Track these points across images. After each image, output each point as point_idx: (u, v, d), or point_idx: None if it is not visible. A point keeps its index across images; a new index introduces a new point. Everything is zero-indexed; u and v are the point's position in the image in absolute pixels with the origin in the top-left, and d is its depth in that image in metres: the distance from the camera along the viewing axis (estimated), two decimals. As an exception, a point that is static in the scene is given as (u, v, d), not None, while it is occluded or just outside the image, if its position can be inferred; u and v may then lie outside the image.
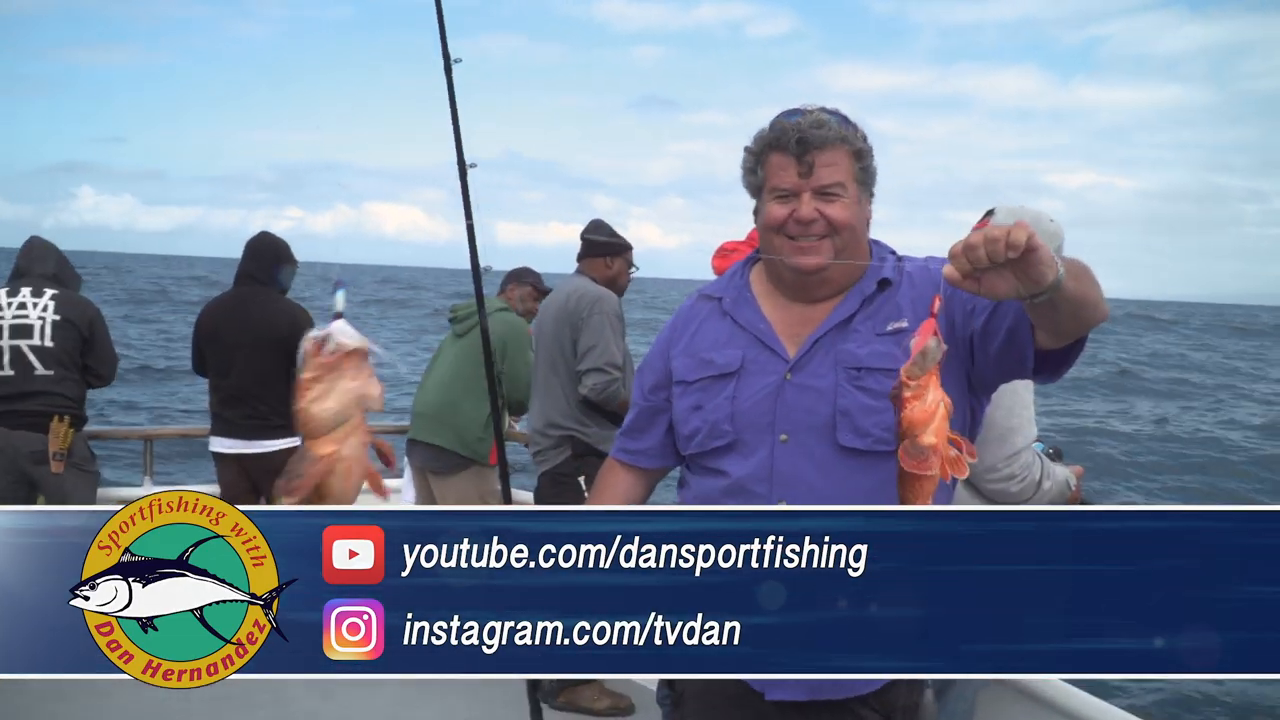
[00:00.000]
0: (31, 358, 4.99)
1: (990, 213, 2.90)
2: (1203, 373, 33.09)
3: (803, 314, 2.08)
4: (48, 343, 5.01)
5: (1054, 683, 2.73)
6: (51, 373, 5.02)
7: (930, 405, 1.56)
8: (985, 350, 1.91)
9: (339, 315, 1.67)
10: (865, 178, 2.06)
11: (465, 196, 3.88)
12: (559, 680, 4.53)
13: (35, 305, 5.03)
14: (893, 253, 2.16)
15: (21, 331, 4.99)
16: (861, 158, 2.04)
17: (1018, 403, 2.64)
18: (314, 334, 1.66)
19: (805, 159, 1.98)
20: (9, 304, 5.02)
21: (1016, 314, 1.81)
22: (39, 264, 5.21)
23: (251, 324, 5.31)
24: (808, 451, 1.99)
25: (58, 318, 5.05)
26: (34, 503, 5.07)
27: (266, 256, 5.45)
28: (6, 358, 4.97)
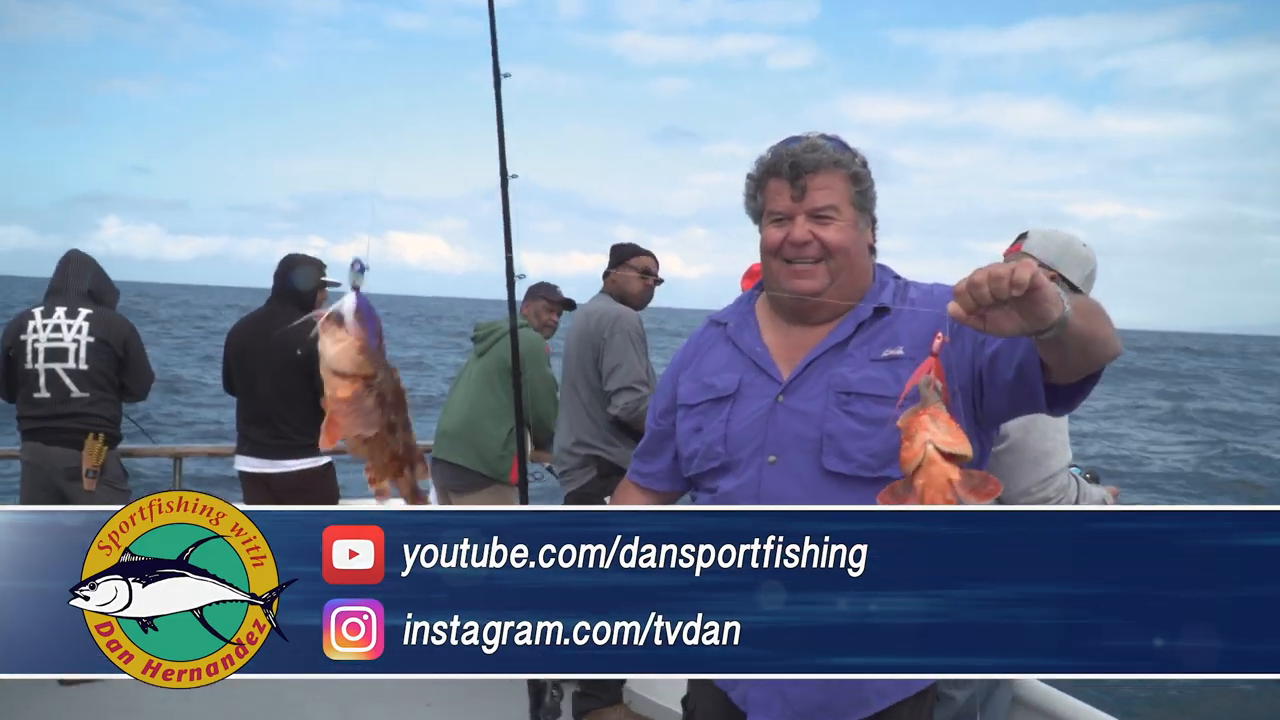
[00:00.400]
0: (67, 381, 5.02)
1: (1023, 236, 2.88)
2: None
3: (800, 337, 2.10)
4: (82, 365, 5.05)
5: (1089, 710, 2.67)
6: (87, 395, 5.06)
7: (917, 447, 1.53)
8: (995, 384, 1.89)
9: (356, 288, 1.68)
10: (862, 201, 2.06)
11: (505, 201, 3.82)
12: (585, 702, 4.50)
13: (70, 327, 5.07)
14: (896, 277, 2.16)
15: (56, 355, 5.03)
16: (858, 181, 2.05)
17: (1051, 426, 2.60)
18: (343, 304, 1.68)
19: (799, 183, 2.01)
20: (44, 325, 5.05)
21: (1026, 349, 1.79)
22: (75, 281, 5.23)
23: (272, 343, 5.30)
24: (795, 473, 1.99)
25: (92, 339, 5.08)
26: None
27: (285, 273, 5.48)
28: (42, 380, 5.01)
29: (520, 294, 5.52)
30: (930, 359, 1.56)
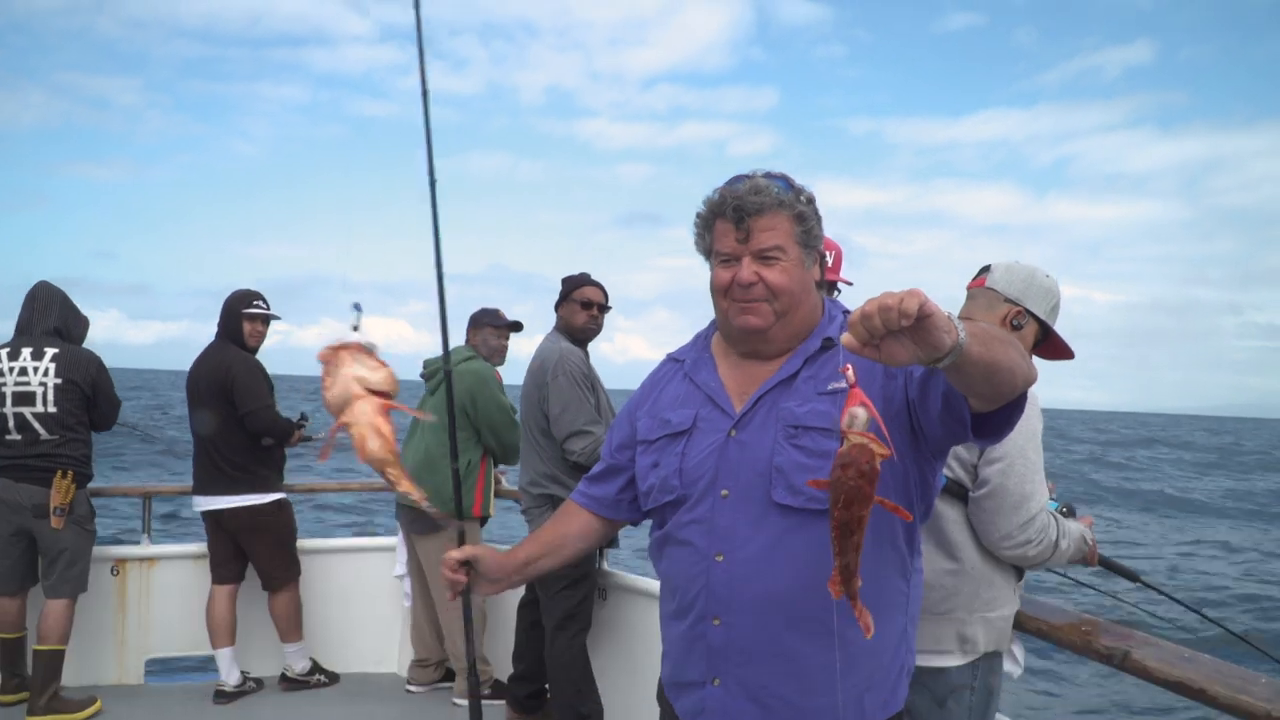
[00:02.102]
0: (36, 425, 4.99)
1: (986, 269, 2.90)
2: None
3: (752, 372, 2.13)
4: (50, 408, 5.01)
5: None
6: (56, 437, 5.02)
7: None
8: (927, 412, 1.91)
9: (355, 329, 1.83)
10: (807, 239, 2.08)
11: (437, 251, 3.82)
12: None
13: (36, 370, 5.03)
14: (845, 311, 2.18)
15: (24, 399, 4.99)
16: (803, 220, 2.07)
17: (1029, 468, 2.62)
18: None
19: (743, 225, 2.04)
20: (10, 369, 5.00)
21: (946, 380, 1.81)
22: (41, 318, 5.19)
23: (201, 377, 5.46)
24: (745, 507, 2.01)
25: (59, 381, 5.04)
26: (31, 559, 5.09)
27: (223, 309, 5.60)
28: (11, 423, 4.98)
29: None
30: (852, 390, 1.60)
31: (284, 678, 5.55)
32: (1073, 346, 2.89)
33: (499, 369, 5.51)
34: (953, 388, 1.79)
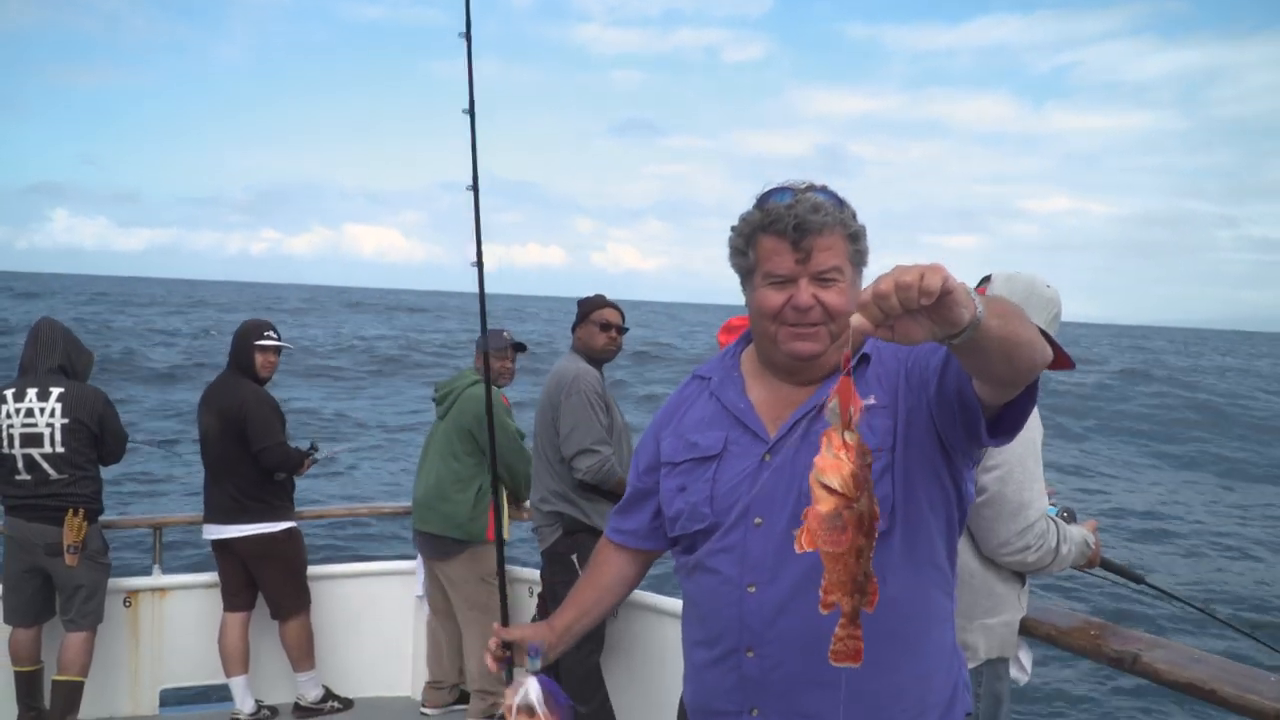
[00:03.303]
0: (44, 465, 5.02)
1: (987, 279, 2.92)
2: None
3: (789, 395, 2.03)
4: (58, 449, 5.04)
5: None
6: (65, 476, 5.05)
7: (833, 459, 1.47)
8: (946, 418, 1.86)
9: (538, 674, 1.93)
10: (859, 259, 1.99)
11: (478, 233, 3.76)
12: None
13: (43, 411, 5.05)
14: None
15: (32, 440, 5.01)
16: (856, 240, 1.98)
17: (1028, 476, 2.64)
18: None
19: (802, 244, 1.92)
20: (17, 410, 5.02)
21: (959, 373, 1.75)
22: (45, 356, 5.21)
23: (213, 408, 5.50)
24: (779, 535, 1.92)
25: (66, 420, 5.07)
26: (48, 593, 5.12)
27: (235, 339, 5.64)
28: (20, 464, 5.00)
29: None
30: (842, 379, 1.49)
31: (297, 707, 5.56)
32: (1068, 260, 2.90)
33: (507, 390, 5.56)
34: (965, 384, 1.74)
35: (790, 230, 1.91)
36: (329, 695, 5.62)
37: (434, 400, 5.61)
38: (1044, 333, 2.82)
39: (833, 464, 1.46)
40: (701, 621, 2.06)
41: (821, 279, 1.94)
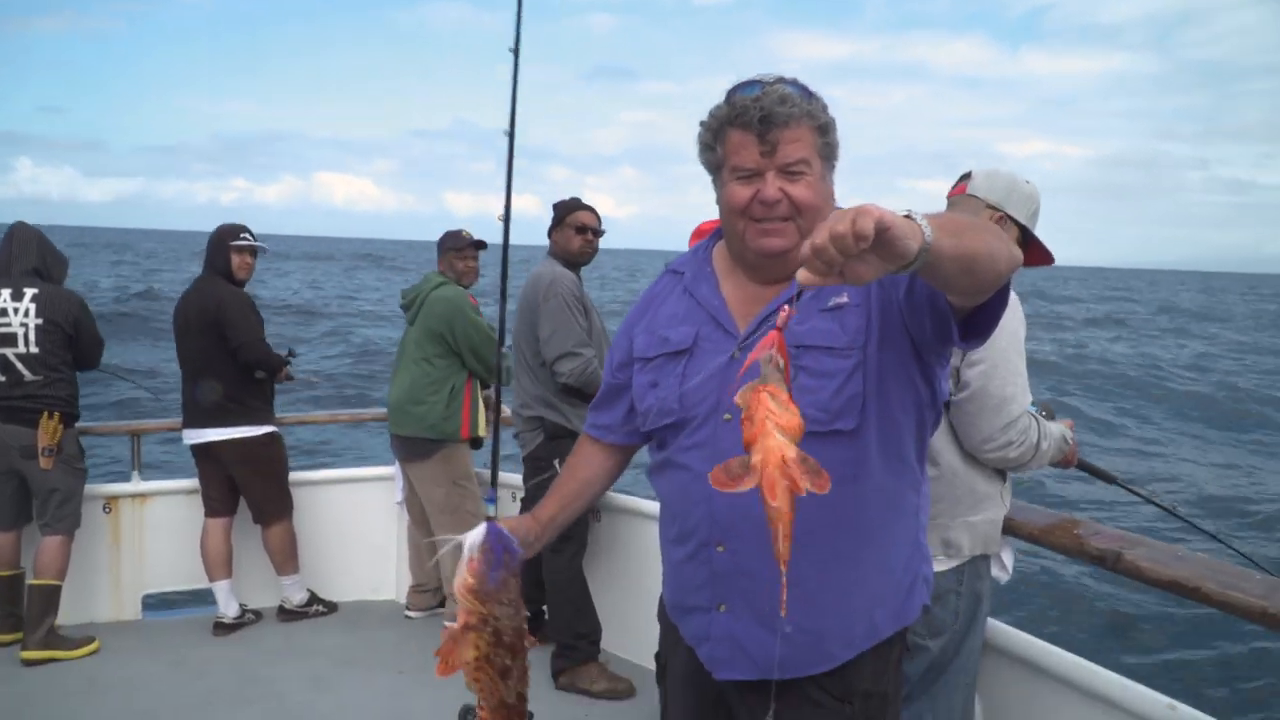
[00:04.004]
0: (19, 366, 4.96)
1: (967, 176, 2.90)
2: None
3: (760, 292, 2.03)
4: (33, 349, 4.98)
5: (1060, 653, 2.72)
6: (40, 377, 5.00)
7: (756, 425, 1.47)
8: (917, 322, 1.85)
9: (490, 518, 1.70)
10: (828, 152, 1.96)
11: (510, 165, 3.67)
12: (562, 660, 4.55)
13: (16, 310, 4.98)
14: None
15: (6, 340, 4.95)
16: (825, 132, 1.94)
17: (1011, 371, 2.63)
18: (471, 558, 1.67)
19: (768, 137, 1.89)
20: None
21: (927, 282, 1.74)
22: (19, 259, 5.14)
23: (191, 310, 5.44)
24: None
25: (40, 321, 5.01)
26: (24, 496, 5.10)
27: (208, 246, 5.59)
28: None
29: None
30: (773, 333, 1.49)
31: (282, 610, 5.58)
32: (1045, 204, 2.88)
33: (473, 288, 5.55)
34: (936, 290, 1.72)
35: (756, 123, 1.89)
36: (314, 599, 5.64)
37: (402, 307, 5.59)
38: (1024, 228, 2.84)
39: (788, 420, 1.47)
40: (674, 519, 2.08)
41: (789, 172, 1.91)
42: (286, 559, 5.54)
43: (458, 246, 5.52)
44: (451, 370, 5.29)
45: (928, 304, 1.79)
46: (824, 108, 1.95)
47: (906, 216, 1.44)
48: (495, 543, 1.66)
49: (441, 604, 5.62)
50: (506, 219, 3.36)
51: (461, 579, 1.64)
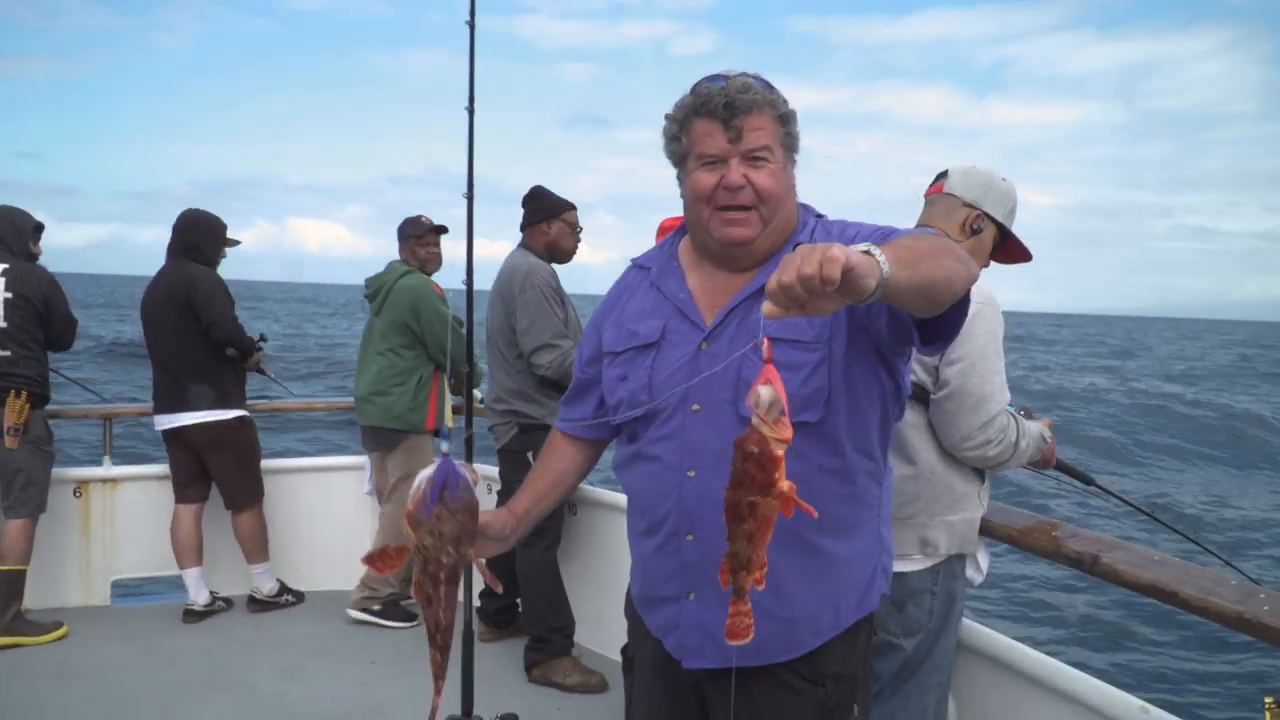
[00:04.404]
0: None
1: (944, 175, 2.91)
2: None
3: (725, 283, 2.06)
4: (1, 323, 4.91)
5: (1033, 654, 2.72)
6: (8, 353, 4.92)
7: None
8: (875, 325, 1.90)
9: (446, 455, 1.76)
10: (790, 143, 2.02)
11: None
12: (535, 654, 4.53)
13: None
14: (818, 216, 2.13)
15: None
16: (786, 122, 2.00)
17: (990, 369, 2.62)
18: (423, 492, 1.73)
19: (733, 123, 1.94)
20: None
21: None
22: None
23: (160, 293, 5.35)
24: (715, 421, 1.97)
25: (9, 295, 4.94)
26: None
27: (182, 230, 5.48)
28: None
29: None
30: (766, 368, 1.51)
31: (252, 600, 5.52)
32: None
33: (437, 275, 5.53)
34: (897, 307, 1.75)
35: (720, 109, 1.94)
36: (283, 589, 5.59)
37: (366, 297, 5.54)
38: (1001, 226, 2.85)
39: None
40: (644, 511, 2.10)
41: (752, 158, 1.96)
42: (256, 547, 5.48)
43: (418, 233, 5.49)
44: (419, 361, 5.31)
45: (887, 313, 1.84)
46: (785, 100, 2.00)
47: (866, 253, 1.49)
48: (440, 476, 1.70)
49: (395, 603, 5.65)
50: (469, 281, 3.42)
51: (405, 505, 1.71)
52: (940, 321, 1.78)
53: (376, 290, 5.43)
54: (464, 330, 5.10)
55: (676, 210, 2.16)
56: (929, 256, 1.63)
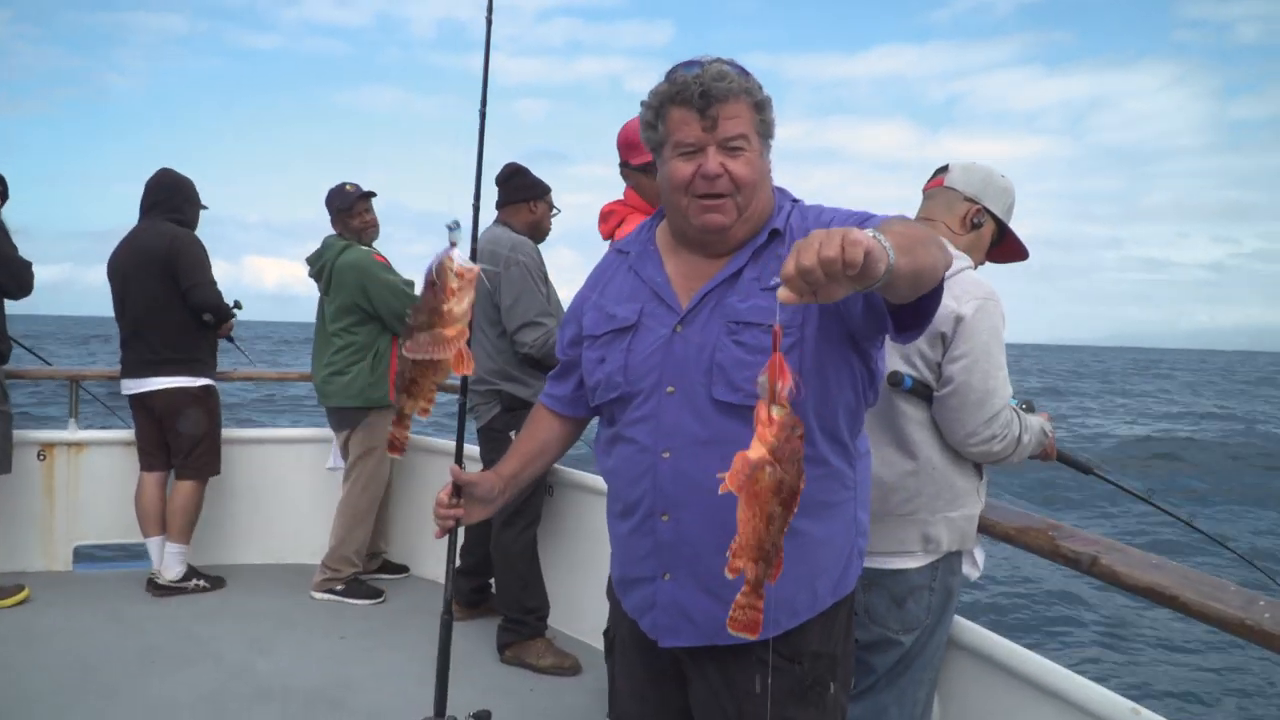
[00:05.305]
0: None
1: (944, 169, 2.91)
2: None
3: (701, 267, 2.08)
4: None
5: (1021, 651, 2.70)
6: None
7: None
8: (850, 313, 1.91)
9: (454, 245, 1.89)
10: (765, 129, 2.02)
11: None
12: (508, 634, 4.48)
13: None
14: (794, 201, 2.14)
15: None
16: (761, 109, 2.00)
17: (993, 365, 2.61)
18: (449, 254, 1.93)
19: (709, 112, 1.94)
20: None
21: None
22: None
23: (136, 252, 5.18)
24: (690, 403, 1.99)
25: None
26: None
27: (161, 189, 5.33)
28: None
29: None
30: (774, 355, 1.52)
31: (152, 582, 5.23)
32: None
33: (376, 243, 5.45)
34: (873, 294, 1.76)
35: (696, 98, 1.95)
36: (193, 573, 5.31)
37: (311, 276, 5.43)
38: (1000, 222, 2.84)
39: (760, 434, 1.53)
40: (620, 493, 2.12)
41: (729, 147, 1.97)
42: (184, 524, 5.23)
43: (346, 205, 5.34)
44: (373, 335, 5.23)
45: (863, 300, 1.85)
46: (759, 86, 2.01)
47: (874, 238, 1.49)
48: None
49: (379, 570, 5.58)
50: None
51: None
52: (913, 310, 1.79)
53: (320, 269, 5.32)
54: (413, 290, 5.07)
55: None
56: (920, 244, 1.65)
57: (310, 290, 5.51)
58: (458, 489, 2.21)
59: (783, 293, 1.47)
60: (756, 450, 1.52)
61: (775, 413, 1.51)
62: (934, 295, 1.77)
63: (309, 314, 5.54)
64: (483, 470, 2.28)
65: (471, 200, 2.81)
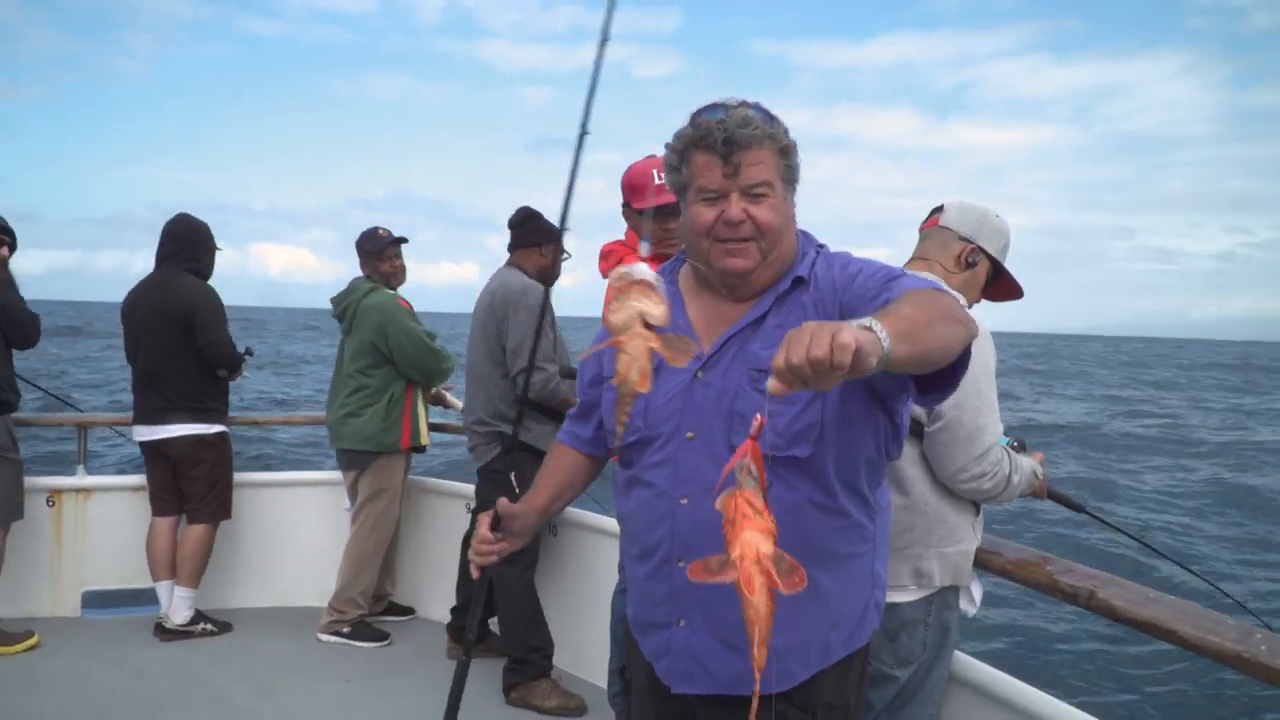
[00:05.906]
0: None
1: (939, 209, 2.94)
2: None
3: (723, 311, 2.08)
4: None
5: (1024, 688, 2.70)
6: None
7: (735, 529, 1.55)
8: (873, 378, 1.87)
9: (642, 259, 1.83)
10: (790, 175, 2.02)
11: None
12: (514, 675, 4.47)
13: None
14: (818, 248, 2.13)
15: None
16: (787, 154, 2.00)
17: (984, 402, 2.62)
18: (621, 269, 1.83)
19: (732, 159, 1.94)
20: None
21: None
22: None
23: (153, 303, 5.21)
24: (709, 450, 1.99)
25: None
26: None
27: (177, 237, 5.36)
28: None
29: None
30: (747, 441, 1.56)
31: (160, 626, 5.23)
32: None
33: (402, 289, 5.48)
34: None
35: (720, 145, 1.94)
36: (200, 617, 5.32)
37: (334, 316, 5.46)
38: (995, 260, 2.86)
39: (763, 524, 1.56)
40: (636, 537, 2.11)
41: (752, 194, 1.96)
42: (194, 569, 5.24)
43: (377, 249, 5.39)
44: (388, 379, 5.25)
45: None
46: (786, 131, 2.01)
47: (868, 329, 1.49)
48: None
49: (386, 611, 5.57)
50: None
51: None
52: (937, 377, 1.78)
53: (344, 310, 5.36)
54: (436, 343, 5.10)
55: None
56: (927, 327, 1.63)
57: (315, 277, 5.57)
58: (497, 521, 2.21)
59: (772, 383, 1.49)
60: (766, 544, 1.54)
61: (759, 500, 1.54)
62: (958, 364, 1.76)
63: (313, 300, 5.56)
64: (474, 510, 2.29)
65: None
